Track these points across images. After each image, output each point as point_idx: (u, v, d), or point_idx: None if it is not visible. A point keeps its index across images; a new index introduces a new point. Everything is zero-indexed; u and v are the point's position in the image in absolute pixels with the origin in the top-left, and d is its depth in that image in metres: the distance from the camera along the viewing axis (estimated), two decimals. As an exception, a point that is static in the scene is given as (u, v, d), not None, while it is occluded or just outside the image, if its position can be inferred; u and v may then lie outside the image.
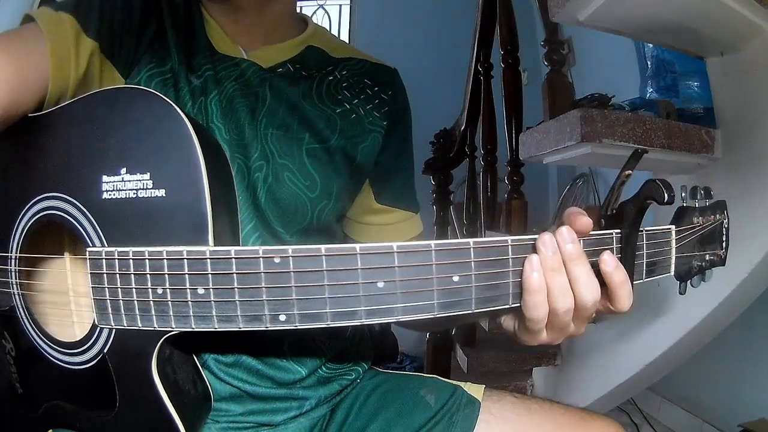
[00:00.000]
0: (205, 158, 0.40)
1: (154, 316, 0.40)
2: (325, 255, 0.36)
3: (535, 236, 0.38)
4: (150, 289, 0.39)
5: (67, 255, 0.53)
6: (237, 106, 0.56)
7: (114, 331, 0.43)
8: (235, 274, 0.37)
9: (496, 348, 1.57)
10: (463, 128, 1.86)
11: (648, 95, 1.49)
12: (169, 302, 0.39)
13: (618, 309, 0.41)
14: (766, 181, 0.97)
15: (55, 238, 0.51)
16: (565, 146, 1.06)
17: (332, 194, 0.59)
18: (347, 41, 3.74)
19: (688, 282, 0.48)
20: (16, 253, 0.50)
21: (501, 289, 0.38)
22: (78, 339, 0.46)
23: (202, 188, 0.40)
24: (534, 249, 0.38)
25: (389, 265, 0.36)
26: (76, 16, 0.51)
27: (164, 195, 0.41)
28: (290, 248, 0.36)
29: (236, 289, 0.37)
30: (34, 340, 0.50)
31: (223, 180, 0.45)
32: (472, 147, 1.89)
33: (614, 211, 0.42)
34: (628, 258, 0.41)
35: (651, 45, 1.49)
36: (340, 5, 3.79)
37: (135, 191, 0.41)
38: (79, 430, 0.49)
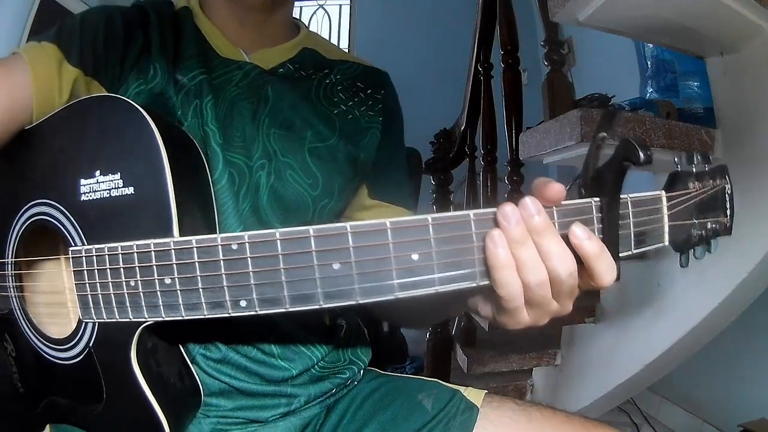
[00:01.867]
0: (169, 155, 0.42)
1: (128, 308, 0.42)
2: (279, 239, 0.36)
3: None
4: (124, 282, 0.42)
5: (62, 256, 0.54)
6: (239, 109, 0.57)
7: (97, 324, 0.46)
8: (197, 263, 0.38)
9: (496, 348, 1.57)
10: (463, 128, 1.86)
11: (648, 95, 1.49)
12: (141, 293, 0.41)
13: (599, 284, 0.38)
14: (766, 181, 0.97)
15: (48, 241, 0.52)
16: (565, 146, 1.06)
17: (334, 192, 0.60)
18: (347, 41, 3.76)
19: (690, 254, 0.44)
20: (11, 258, 0.52)
21: (466, 265, 0.36)
22: (68, 335, 0.48)
23: (165, 183, 0.42)
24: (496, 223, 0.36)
25: (343, 246, 0.36)
26: (58, 43, 0.53)
27: (133, 192, 0.43)
28: (246, 234, 0.37)
29: (198, 277, 0.39)
30: (31, 339, 0.51)
31: (192, 175, 0.48)
32: (472, 147, 1.89)
33: (592, 179, 0.39)
34: (610, 227, 0.38)
35: (651, 45, 1.49)
36: (340, 5, 3.79)
37: (108, 191, 0.44)
38: (74, 425, 0.51)
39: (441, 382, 0.64)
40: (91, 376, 0.47)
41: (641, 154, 0.35)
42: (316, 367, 0.61)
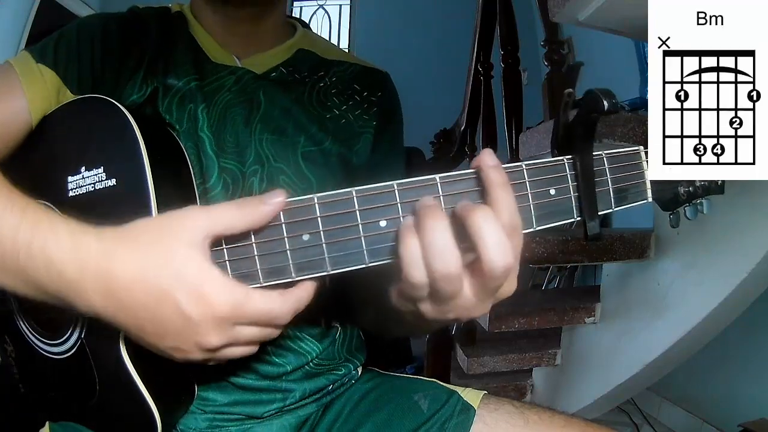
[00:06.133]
0: (147, 147, 0.44)
1: None
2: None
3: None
4: None
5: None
6: (232, 114, 0.57)
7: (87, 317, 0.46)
8: None
9: (496, 348, 1.57)
10: (463, 128, 1.86)
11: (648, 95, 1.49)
12: None
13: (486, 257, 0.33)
14: (766, 181, 0.97)
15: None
16: (565, 146, 1.06)
17: None
18: (347, 41, 3.76)
19: (682, 213, 0.43)
20: None
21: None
22: (61, 329, 0.49)
23: (144, 171, 0.44)
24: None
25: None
26: (56, 69, 0.53)
27: (115, 184, 0.45)
28: None
29: None
30: (29, 338, 0.52)
31: (171, 166, 0.49)
32: (472, 147, 1.89)
33: (563, 138, 0.38)
34: (586, 184, 0.37)
35: (651, 45, 1.49)
36: (340, 5, 3.79)
37: (93, 185, 0.46)
38: (71, 421, 0.51)
39: (439, 382, 0.64)
40: (84, 369, 0.47)
41: (605, 103, 0.35)
42: (310, 363, 0.61)
